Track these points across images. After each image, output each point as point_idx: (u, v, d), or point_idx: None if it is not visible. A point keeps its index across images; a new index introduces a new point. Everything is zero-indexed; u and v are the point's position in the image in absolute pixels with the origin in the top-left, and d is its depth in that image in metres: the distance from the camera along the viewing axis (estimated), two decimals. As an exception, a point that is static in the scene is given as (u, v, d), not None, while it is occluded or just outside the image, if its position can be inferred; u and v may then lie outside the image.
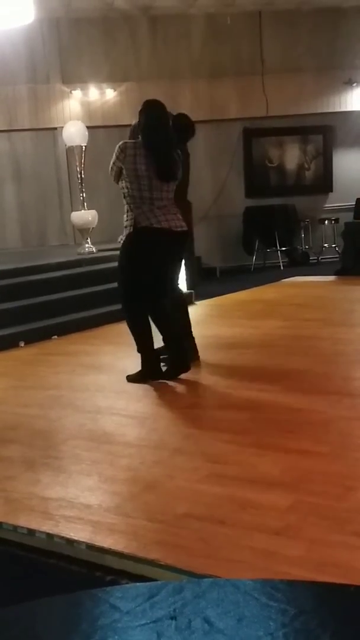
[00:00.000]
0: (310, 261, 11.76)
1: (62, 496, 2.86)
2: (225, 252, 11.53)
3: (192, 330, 5.08)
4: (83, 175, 8.92)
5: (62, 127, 9.87)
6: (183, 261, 4.89)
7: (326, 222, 11.63)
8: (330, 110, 11.67)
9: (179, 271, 4.90)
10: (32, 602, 1.27)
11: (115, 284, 7.77)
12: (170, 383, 4.62)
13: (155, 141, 4.38)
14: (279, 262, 11.34)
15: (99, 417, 3.93)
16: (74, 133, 8.94)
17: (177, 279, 4.90)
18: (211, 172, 10.96)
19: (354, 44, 11.36)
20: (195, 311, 7.51)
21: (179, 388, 4.61)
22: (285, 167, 11.96)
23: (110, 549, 2.40)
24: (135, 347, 4.58)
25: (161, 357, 4.70)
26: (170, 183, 4.46)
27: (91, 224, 8.83)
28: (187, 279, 8.70)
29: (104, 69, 10.82)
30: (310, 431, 3.47)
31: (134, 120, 4.67)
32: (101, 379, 4.76)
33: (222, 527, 2.50)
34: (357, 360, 4.95)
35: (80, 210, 9.05)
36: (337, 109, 11.70)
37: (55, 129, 10.83)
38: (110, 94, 11.01)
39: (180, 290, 5.06)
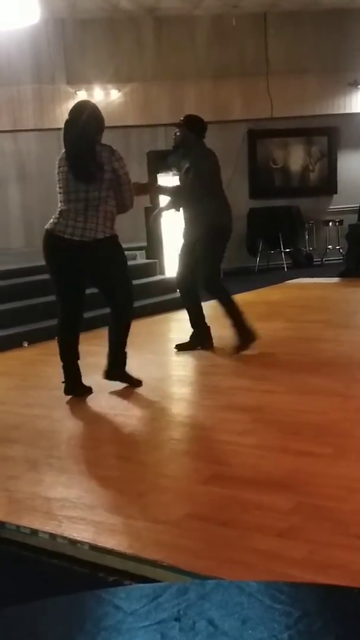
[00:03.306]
0: (314, 263, 11.75)
1: (65, 496, 2.86)
2: (228, 253, 11.42)
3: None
4: (87, 176, 8.92)
5: (67, 127, 9.84)
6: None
7: (330, 223, 11.61)
8: (335, 111, 11.66)
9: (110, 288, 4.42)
10: (35, 603, 1.27)
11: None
12: (172, 385, 4.62)
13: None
14: (283, 264, 11.34)
15: (102, 417, 3.93)
16: (79, 134, 8.94)
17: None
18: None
19: (359, 46, 11.35)
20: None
21: (182, 389, 4.61)
22: (289, 168, 11.95)
23: (113, 549, 2.40)
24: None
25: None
26: (86, 184, 4.20)
27: (94, 224, 8.82)
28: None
29: (108, 69, 10.81)
30: (313, 433, 3.46)
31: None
32: (104, 380, 4.76)
33: (224, 528, 2.50)
34: (360, 362, 4.95)
35: (84, 211, 9.04)
36: (342, 111, 11.68)
37: (60, 129, 10.81)
38: (115, 94, 11.02)
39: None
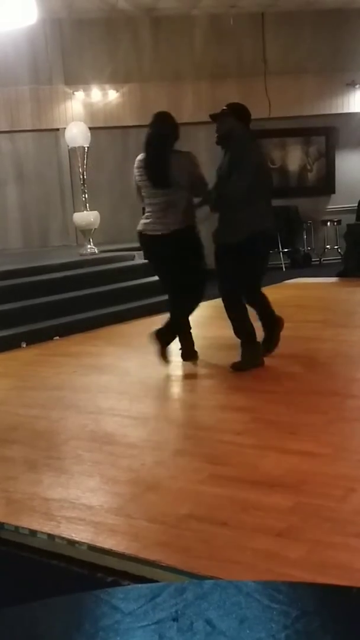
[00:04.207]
0: (312, 263, 11.76)
1: (63, 497, 2.86)
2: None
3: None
4: (85, 176, 8.92)
5: (65, 128, 9.87)
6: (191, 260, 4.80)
7: (328, 223, 11.62)
8: (333, 111, 11.67)
9: (185, 270, 4.82)
10: (33, 603, 1.27)
11: (116, 285, 7.77)
12: (172, 385, 4.62)
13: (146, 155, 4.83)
14: (281, 264, 11.34)
15: (101, 418, 3.93)
16: (77, 134, 8.95)
17: (184, 278, 4.88)
18: (213, 173, 10.95)
19: (357, 46, 11.36)
20: (198, 313, 7.48)
21: (181, 389, 4.61)
22: (287, 168, 11.95)
23: (112, 550, 2.40)
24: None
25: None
26: (164, 189, 4.70)
27: (93, 225, 8.84)
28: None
29: (106, 70, 10.82)
30: (312, 432, 3.46)
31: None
32: (103, 380, 4.76)
33: (223, 528, 2.50)
34: (358, 361, 4.94)
35: (82, 211, 9.05)
36: (340, 111, 11.69)
37: (58, 130, 10.83)
38: (113, 95, 11.01)
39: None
